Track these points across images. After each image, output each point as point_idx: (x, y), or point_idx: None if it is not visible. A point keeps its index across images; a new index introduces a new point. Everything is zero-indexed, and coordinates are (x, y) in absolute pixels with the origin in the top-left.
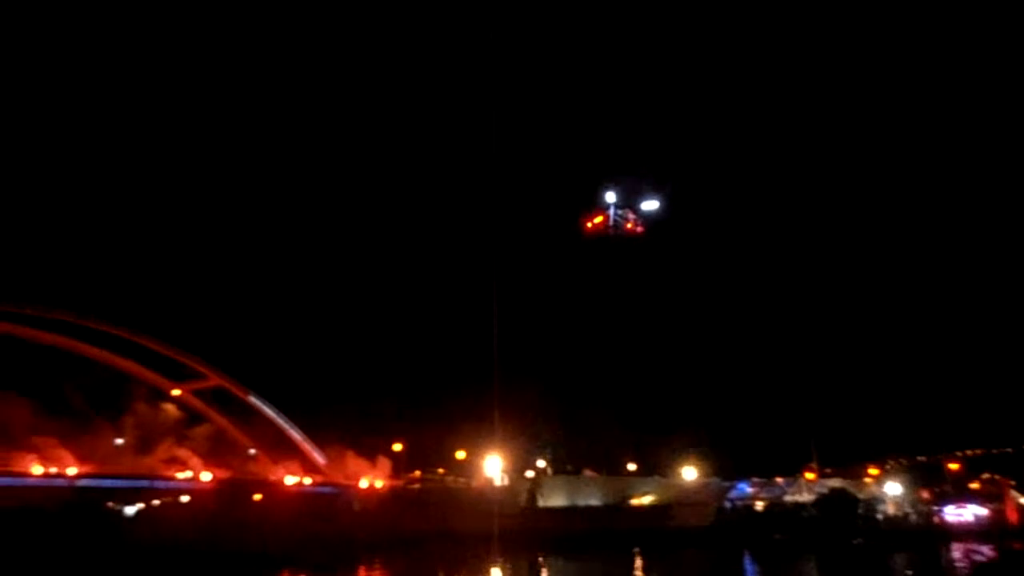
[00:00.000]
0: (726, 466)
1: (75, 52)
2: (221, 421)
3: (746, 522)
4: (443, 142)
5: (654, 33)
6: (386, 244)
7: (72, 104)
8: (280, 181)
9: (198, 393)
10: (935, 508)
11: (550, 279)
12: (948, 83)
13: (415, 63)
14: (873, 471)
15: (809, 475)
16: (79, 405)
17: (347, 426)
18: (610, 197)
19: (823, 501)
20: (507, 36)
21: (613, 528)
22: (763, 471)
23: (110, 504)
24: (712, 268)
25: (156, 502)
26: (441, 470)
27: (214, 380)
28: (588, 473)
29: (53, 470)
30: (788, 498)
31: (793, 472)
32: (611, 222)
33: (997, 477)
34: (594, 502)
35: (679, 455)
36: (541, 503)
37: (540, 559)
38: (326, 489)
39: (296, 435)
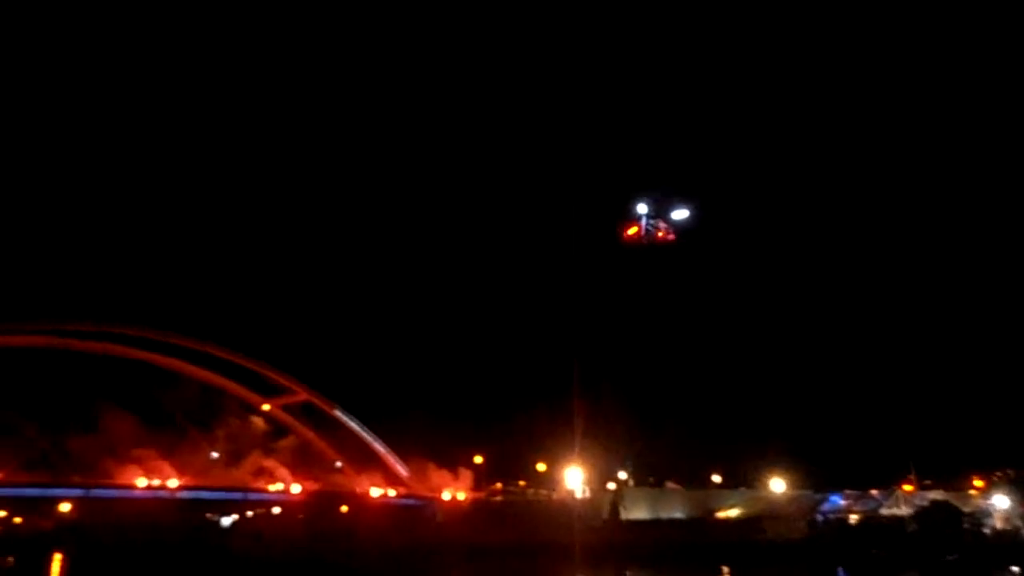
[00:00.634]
0: (816, 478)
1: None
2: (309, 435)
3: (840, 537)
4: (514, 160)
5: (682, 49)
6: (466, 258)
7: (122, 113)
8: (359, 199)
9: (286, 408)
10: None
11: (623, 287)
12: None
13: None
14: (978, 483)
15: (907, 487)
16: (176, 420)
17: (428, 438)
18: (641, 208)
19: (924, 514)
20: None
21: (699, 542)
22: (856, 483)
23: (208, 515)
24: (791, 271)
25: (250, 513)
26: (522, 482)
27: (302, 395)
28: (671, 485)
29: (156, 482)
30: (885, 511)
31: (889, 484)
32: (644, 232)
33: None
34: (678, 515)
35: (766, 466)
36: (624, 516)
37: (626, 573)
38: (410, 501)
39: (380, 448)
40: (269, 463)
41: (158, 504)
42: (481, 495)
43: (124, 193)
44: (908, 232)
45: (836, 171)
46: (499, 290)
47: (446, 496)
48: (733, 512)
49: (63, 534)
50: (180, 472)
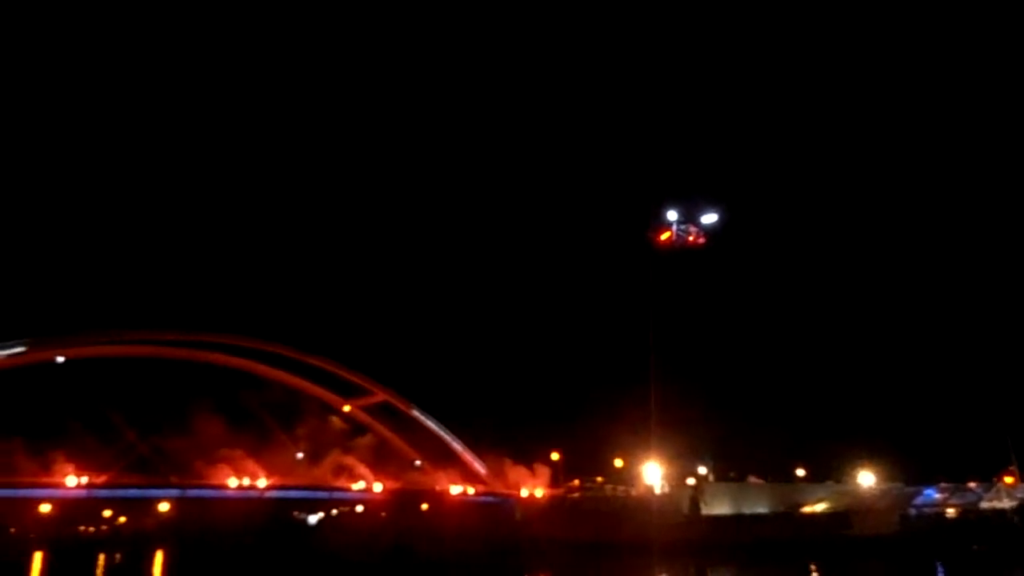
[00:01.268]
0: (908, 470)
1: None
2: (388, 434)
3: (937, 531)
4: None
5: (705, 58)
6: (540, 252)
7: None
8: (435, 208)
9: (366, 408)
10: None
11: (695, 282)
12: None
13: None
14: None
15: (1008, 479)
16: (262, 421)
17: (504, 436)
18: (671, 214)
19: None
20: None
21: (784, 537)
22: (952, 475)
23: (295, 513)
24: (875, 256)
25: (335, 511)
26: (600, 478)
27: (380, 396)
28: (753, 480)
29: (246, 482)
30: (985, 505)
31: (988, 476)
32: (676, 236)
33: None
34: (761, 510)
35: (854, 459)
36: (704, 511)
37: (708, 570)
38: (489, 498)
39: (457, 446)
40: (351, 462)
41: (249, 503)
42: (559, 492)
43: (204, 208)
44: (976, 216)
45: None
46: (574, 289)
47: (524, 493)
48: (819, 507)
49: (164, 532)
50: (267, 472)
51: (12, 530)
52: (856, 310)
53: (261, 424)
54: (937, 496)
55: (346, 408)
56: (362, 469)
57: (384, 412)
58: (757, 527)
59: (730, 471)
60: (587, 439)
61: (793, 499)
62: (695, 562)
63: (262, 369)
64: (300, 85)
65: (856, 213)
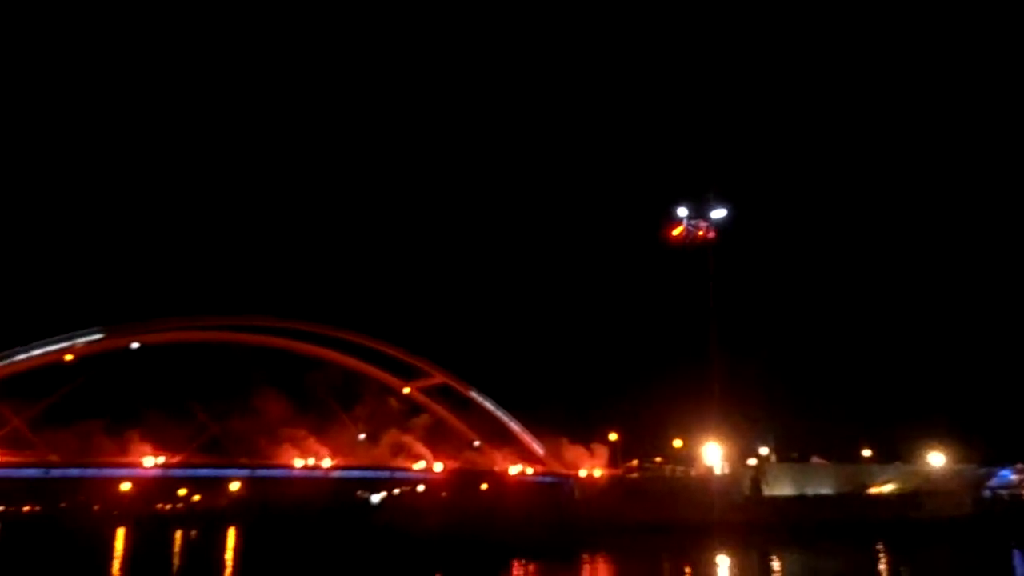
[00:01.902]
0: (981, 451)
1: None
2: (446, 415)
3: (1013, 514)
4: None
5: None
6: (597, 231)
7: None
8: (489, 192)
9: (424, 390)
10: None
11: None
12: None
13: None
14: None
15: None
16: (324, 403)
17: (561, 416)
18: (681, 210)
19: None
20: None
21: (849, 519)
22: None
23: (359, 492)
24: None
25: (396, 491)
26: (659, 459)
27: (438, 378)
28: (817, 460)
29: (311, 461)
30: None
31: None
32: (687, 232)
33: None
34: (826, 491)
35: (922, 440)
36: (766, 492)
37: (771, 552)
38: (547, 479)
39: (515, 426)
40: (410, 443)
41: (313, 482)
42: (618, 472)
43: (262, 198)
44: None
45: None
46: (632, 268)
47: (582, 473)
48: (887, 488)
49: (235, 510)
50: (330, 452)
51: (96, 507)
52: (926, 286)
53: (324, 406)
54: (1013, 477)
55: (405, 390)
56: (421, 450)
57: (442, 394)
58: (821, 508)
59: (792, 451)
60: (645, 419)
61: (859, 480)
62: (757, 543)
63: (325, 353)
64: (352, 72)
65: (907, 191)
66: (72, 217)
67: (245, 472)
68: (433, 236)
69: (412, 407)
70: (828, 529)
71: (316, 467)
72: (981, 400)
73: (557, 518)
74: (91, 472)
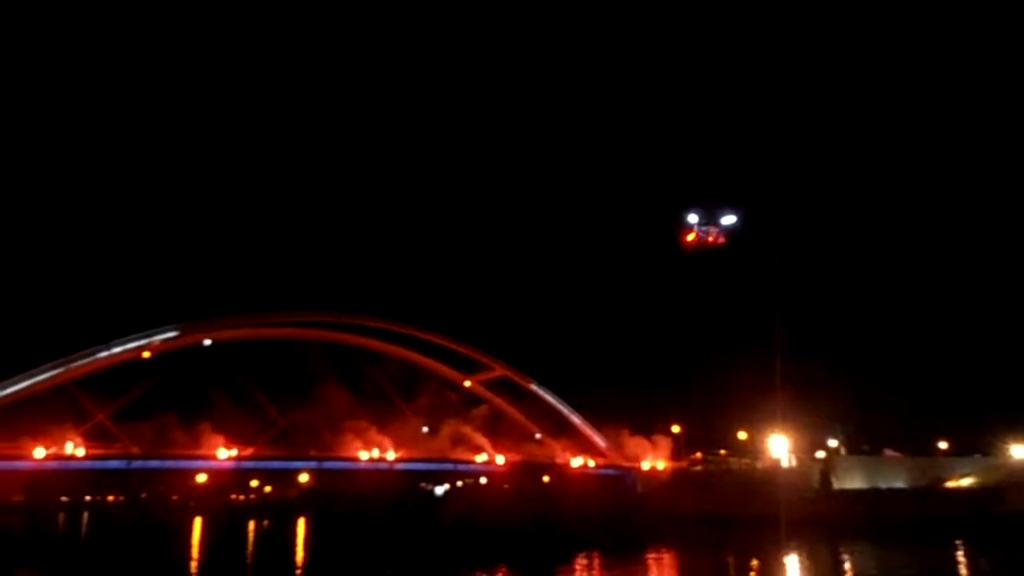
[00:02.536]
0: None
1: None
2: (507, 408)
3: None
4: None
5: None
6: (655, 222)
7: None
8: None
9: (485, 383)
10: None
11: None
12: None
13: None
14: None
15: None
16: (387, 397)
17: (622, 407)
18: (692, 217)
19: None
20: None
21: (925, 514)
22: None
23: (422, 484)
24: None
25: (459, 483)
26: (723, 451)
27: (499, 371)
28: (889, 453)
29: (376, 454)
30: None
31: None
32: (698, 237)
33: None
34: (899, 485)
35: (1005, 430)
36: (836, 486)
37: (842, 547)
38: (609, 471)
39: (576, 419)
40: (472, 436)
41: (379, 474)
42: (681, 465)
43: (323, 196)
44: None
45: None
46: (693, 256)
47: (645, 466)
48: (966, 481)
49: (304, 501)
50: (395, 445)
51: (174, 497)
52: (999, 275)
53: (387, 399)
54: None
55: (467, 383)
56: (483, 442)
57: (503, 387)
58: (895, 502)
59: (863, 444)
60: (709, 411)
61: (935, 473)
62: (827, 538)
63: (388, 348)
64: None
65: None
66: (147, 222)
67: (313, 464)
68: (495, 232)
69: (471, 399)
70: (902, 524)
71: (381, 459)
72: None
73: (620, 511)
74: (169, 464)
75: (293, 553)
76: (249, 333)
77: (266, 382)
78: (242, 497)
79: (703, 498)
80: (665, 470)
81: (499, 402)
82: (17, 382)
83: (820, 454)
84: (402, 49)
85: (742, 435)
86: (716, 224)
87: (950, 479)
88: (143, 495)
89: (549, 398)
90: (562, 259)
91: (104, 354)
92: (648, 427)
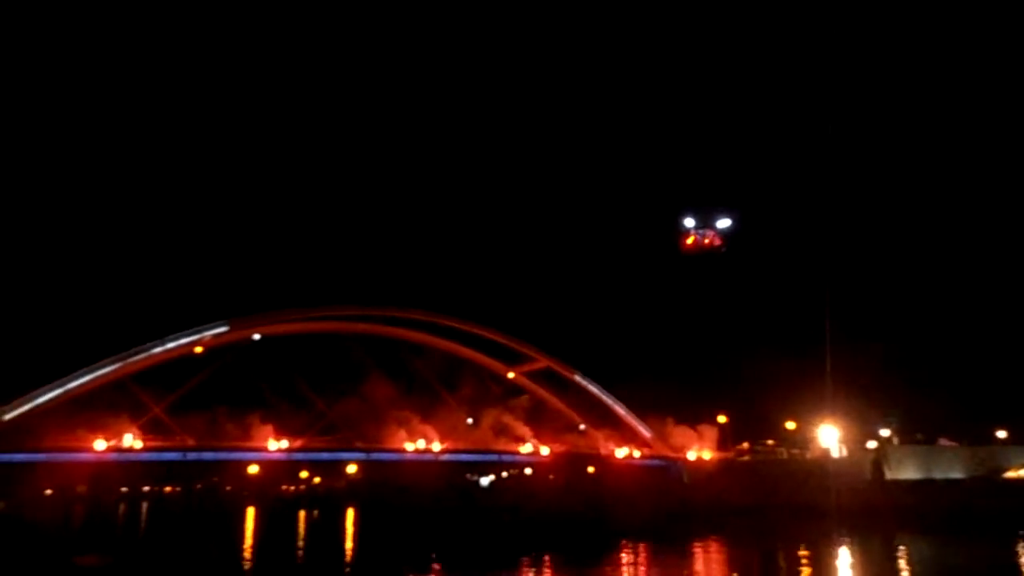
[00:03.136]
0: None
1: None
2: (551, 399)
3: None
4: None
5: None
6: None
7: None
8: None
9: (529, 375)
10: None
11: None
12: None
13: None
14: None
15: None
16: (432, 389)
17: (667, 398)
18: (689, 221)
19: None
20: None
21: (983, 505)
22: None
23: (468, 475)
24: None
25: (505, 474)
26: (771, 441)
27: (542, 362)
28: (945, 442)
29: (422, 445)
30: None
31: None
32: (696, 240)
33: None
34: (955, 475)
35: None
36: (889, 476)
37: (896, 539)
38: (655, 462)
39: (620, 410)
40: (516, 427)
41: (425, 465)
42: (728, 455)
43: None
44: None
45: None
46: (740, 244)
47: (691, 456)
48: None
49: (353, 492)
50: (439, 436)
51: (228, 488)
52: None
53: (432, 391)
54: None
55: (510, 375)
56: (527, 433)
57: (546, 378)
58: (951, 493)
59: (917, 433)
60: (756, 401)
61: (993, 463)
62: (880, 530)
63: (432, 340)
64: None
65: None
66: (196, 223)
67: (361, 455)
68: (538, 226)
69: (518, 392)
70: (960, 515)
71: (427, 450)
72: None
73: (666, 502)
74: (222, 455)
75: (343, 542)
76: (295, 327)
77: (313, 375)
78: (292, 488)
79: (751, 489)
80: (712, 460)
81: (543, 393)
82: (77, 378)
83: (872, 444)
84: (417, 50)
85: (790, 425)
86: (712, 228)
87: (1009, 469)
88: (198, 486)
89: (593, 389)
90: (606, 251)
91: (158, 350)
92: (693, 417)
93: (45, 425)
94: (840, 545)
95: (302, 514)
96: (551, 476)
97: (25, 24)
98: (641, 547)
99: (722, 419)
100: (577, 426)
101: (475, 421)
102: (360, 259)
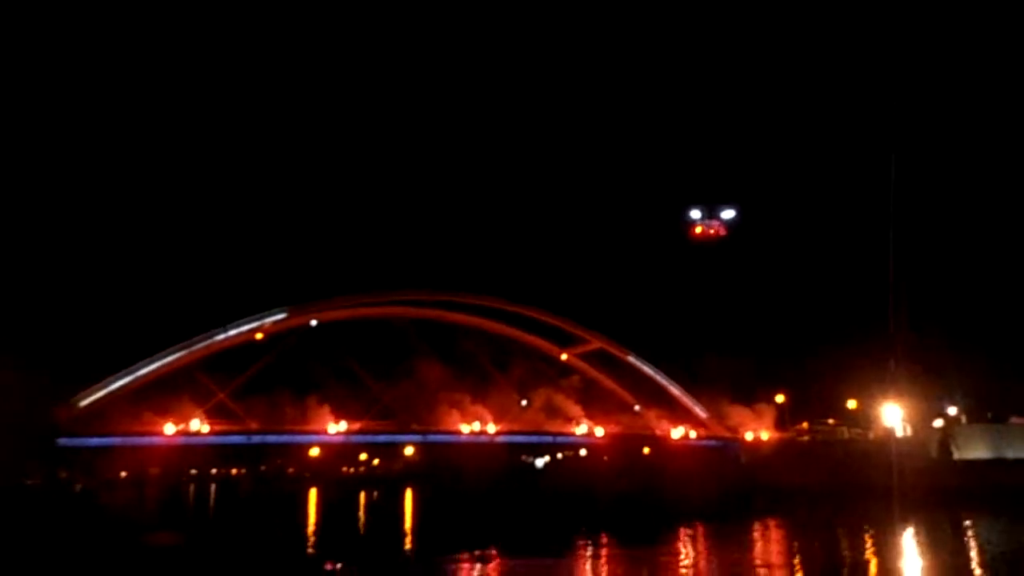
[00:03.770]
0: None
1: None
2: (604, 380)
3: None
4: None
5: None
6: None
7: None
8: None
9: (582, 356)
10: None
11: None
12: None
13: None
14: None
15: None
16: (485, 371)
17: (722, 377)
18: (695, 212)
19: None
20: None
21: None
22: None
23: (523, 457)
24: None
25: (559, 455)
26: (831, 420)
27: (595, 343)
28: (1017, 420)
29: (477, 427)
30: None
31: None
32: (703, 229)
33: None
34: None
35: None
36: (957, 456)
37: (964, 521)
38: (711, 442)
39: (675, 390)
40: (570, 408)
41: (480, 447)
42: (787, 435)
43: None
44: None
45: None
46: (799, 216)
47: (748, 436)
48: None
49: (410, 473)
50: (494, 418)
51: (291, 470)
52: None
53: (485, 374)
54: None
55: (563, 356)
56: (582, 415)
57: (599, 359)
58: None
59: (986, 411)
60: (815, 379)
61: None
62: (948, 510)
63: (485, 323)
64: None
65: None
66: (254, 216)
67: (418, 438)
68: (589, 208)
69: (571, 373)
70: None
71: (482, 432)
72: None
73: (723, 482)
74: (284, 438)
75: (402, 521)
76: (351, 313)
77: (368, 359)
78: (352, 470)
79: (811, 469)
80: (770, 440)
81: (596, 374)
82: (145, 365)
83: (938, 423)
84: (439, 37)
85: (851, 404)
86: (717, 218)
87: None
88: (263, 468)
89: (647, 369)
90: (656, 231)
91: (221, 337)
92: (749, 396)
93: (116, 411)
94: (905, 526)
95: (362, 495)
96: (606, 457)
97: (35, 25)
98: (699, 528)
99: (780, 398)
100: (631, 407)
101: (529, 403)
102: (413, 245)
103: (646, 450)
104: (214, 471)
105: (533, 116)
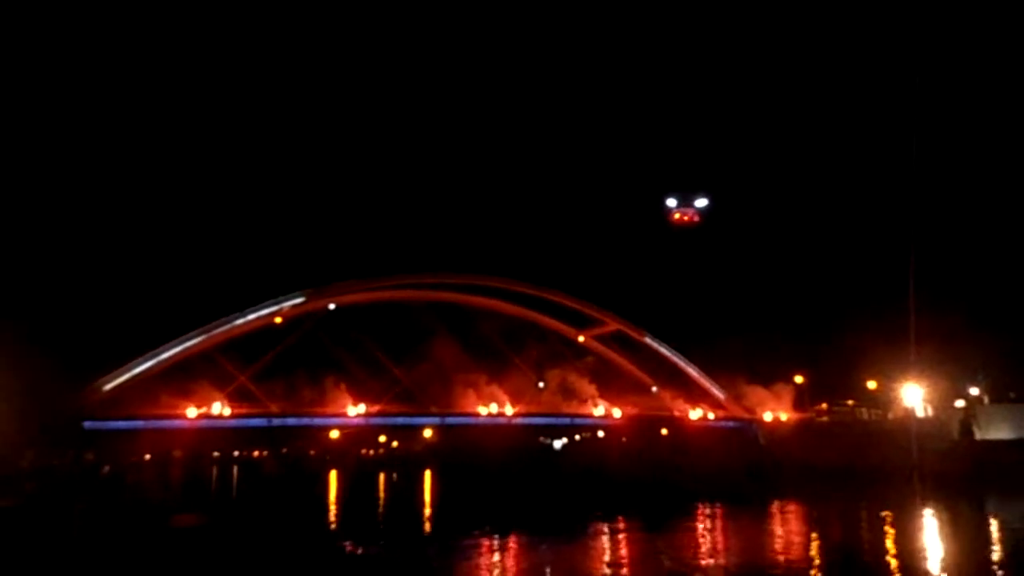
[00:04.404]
0: None
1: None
2: (621, 362)
3: None
4: None
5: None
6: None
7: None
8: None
9: (598, 337)
10: None
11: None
12: None
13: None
14: None
15: None
16: (502, 353)
17: (739, 358)
18: (671, 200)
19: None
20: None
21: None
22: None
23: (541, 438)
24: None
25: (577, 437)
26: (851, 401)
27: (613, 325)
28: None
29: (495, 409)
30: None
31: None
32: (681, 217)
33: None
34: None
35: None
36: (979, 436)
37: (986, 503)
38: (729, 423)
39: (693, 372)
40: (587, 390)
41: (498, 429)
42: (806, 415)
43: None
44: None
45: None
46: (819, 193)
47: (767, 417)
48: None
49: (429, 455)
50: (511, 400)
51: (311, 452)
52: None
53: (502, 356)
54: None
55: (580, 338)
56: (598, 396)
57: (617, 341)
58: None
59: (1009, 391)
60: (833, 360)
61: None
62: (969, 492)
63: (501, 305)
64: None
65: None
66: (270, 202)
67: (436, 420)
68: (605, 191)
69: (588, 355)
70: None
71: (500, 414)
72: None
73: (742, 463)
74: (305, 421)
75: (421, 503)
76: (368, 296)
77: (386, 342)
78: (371, 451)
79: (830, 450)
80: (788, 421)
81: (613, 356)
82: (167, 349)
83: (960, 403)
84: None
85: (871, 384)
86: (691, 206)
87: None
88: (284, 450)
89: (664, 350)
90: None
91: (240, 321)
92: (768, 377)
93: (139, 395)
94: (925, 507)
95: (382, 476)
96: (624, 439)
97: (44, 24)
98: (718, 509)
99: (799, 379)
100: (649, 388)
101: (546, 385)
102: (430, 229)
103: (664, 431)
104: (236, 453)
105: (533, 116)
